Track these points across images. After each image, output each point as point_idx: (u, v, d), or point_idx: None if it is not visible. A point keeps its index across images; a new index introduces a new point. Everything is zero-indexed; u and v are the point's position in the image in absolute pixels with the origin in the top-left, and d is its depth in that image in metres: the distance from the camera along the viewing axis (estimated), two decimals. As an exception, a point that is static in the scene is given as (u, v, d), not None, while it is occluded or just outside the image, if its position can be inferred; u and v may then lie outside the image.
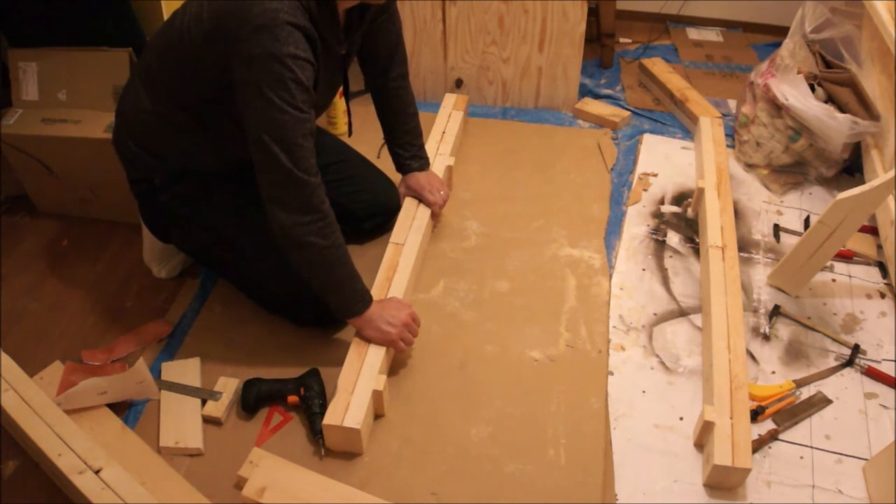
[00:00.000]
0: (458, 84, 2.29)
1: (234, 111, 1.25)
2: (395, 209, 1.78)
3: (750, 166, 2.07)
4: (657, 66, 2.41)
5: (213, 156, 1.45)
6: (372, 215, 1.77)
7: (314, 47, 1.22)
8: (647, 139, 2.19)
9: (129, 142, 1.45)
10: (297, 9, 1.18)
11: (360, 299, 1.39)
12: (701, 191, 1.85)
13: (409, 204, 1.76)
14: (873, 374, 1.52)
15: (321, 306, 1.41)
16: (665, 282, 1.73)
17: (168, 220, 1.54)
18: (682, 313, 1.65)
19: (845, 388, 1.50)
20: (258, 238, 1.45)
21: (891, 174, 1.48)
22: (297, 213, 1.27)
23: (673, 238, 1.85)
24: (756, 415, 1.41)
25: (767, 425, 1.42)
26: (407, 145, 1.73)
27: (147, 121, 1.40)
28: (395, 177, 1.81)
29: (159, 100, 1.37)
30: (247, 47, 1.16)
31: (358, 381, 1.35)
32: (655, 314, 1.65)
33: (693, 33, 2.75)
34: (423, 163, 1.76)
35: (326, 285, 1.37)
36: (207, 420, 1.39)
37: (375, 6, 1.43)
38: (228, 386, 1.43)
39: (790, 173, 2.03)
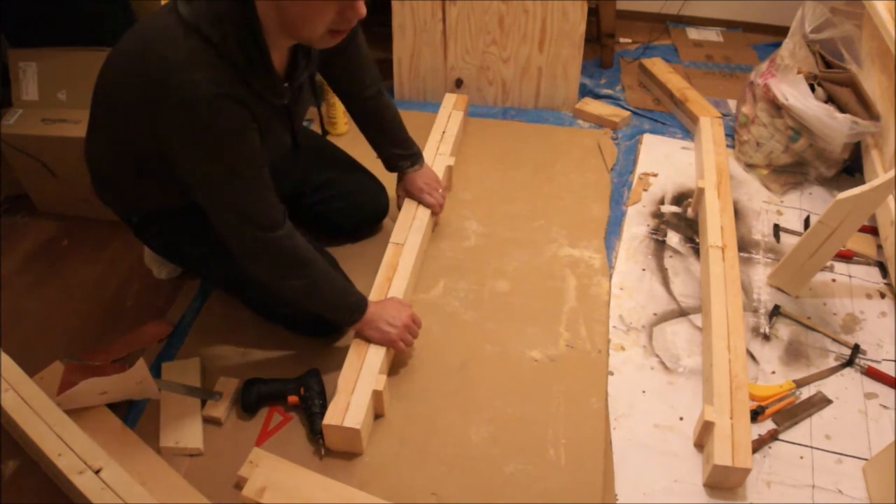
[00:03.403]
0: (458, 84, 2.29)
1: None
2: (384, 214, 1.79)
3: (750, 166, 2.06)
4: (657, 66, 2.41)
5: (176, 198, 1.36)
6: (359, 227, 1.78)
7: (250, 108, 1.13)
8: (647, 139, 2.19)
9: (98, 186, 1.43)
10: (223, 69, 1.08)
11: (356, 310, 1.39)
12: (701, 191, 1.85)
13: (409, 204, 1.75)
14: (873, 374, 1.52)
15: (319, 319, 1.42)
16: (665, 282, 1.73)
17: (156, 250, 1.56)
18: (682, 313, 1.65)
19: (845, 388, 1.50)
20: (243, 272, 1.37)
21: (891, 174, 1.48)
22: (271, 265, 1.26)
23: (673, 238, 1.85)
24: (756, 415, 1.41)
25: (767, 425, 1.42)
26: (395, 148, 1.69)
27: (106, 167, 1.38)
28: (387, 176, 1.79)
29: (108, 150, 1.33)
30: (175, 128, 1.10)
31: (358, 381, 1.35)
32: (655, 314, 1.65)
33: (693, 33, 2.75)
34: (413, 159, 1.71)
35: (318, 308, 1.37)
36: (207, 420, 1.39)
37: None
38: (228, 386, 1.43)
39: (790, 173, 2.03)
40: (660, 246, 1.83)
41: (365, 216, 1.77)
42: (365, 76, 1.55)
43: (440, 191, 1.76)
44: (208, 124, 1.08)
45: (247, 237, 1.20)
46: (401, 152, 1.69)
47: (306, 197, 1.66)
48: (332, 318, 1.41)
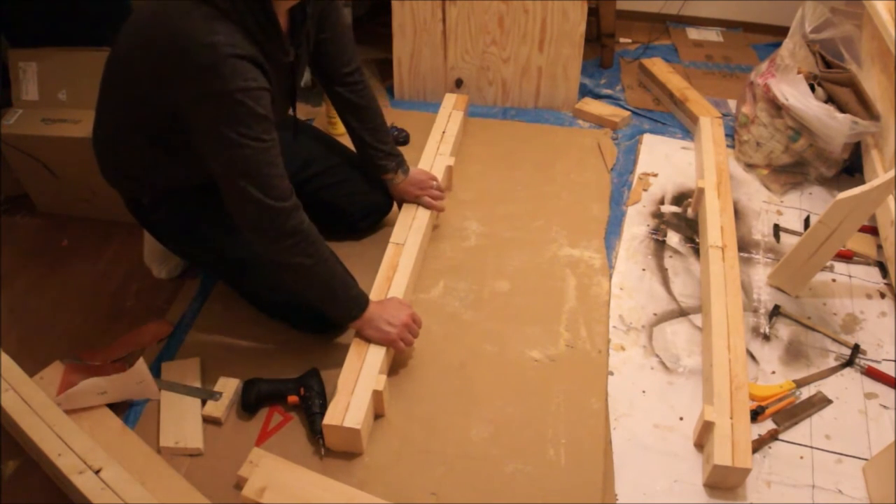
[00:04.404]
0: (458, 84, 2.29)
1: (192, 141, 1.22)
2: (388, 207, 1.79)
3: (750, 166, 2.07)
4: (657, 66, 2.41)
5: (187, 173, 1.40)
6: (367, 215, 1.77)
7: (263, 70, 1.17)
8: (647, 139, 2.19)
9: (108, 167, 1.44)
10: (237, 33, 1.13)
11: (356, 305, 1.39)
12: (701, 191, 1.85)
13: (409, 204, 1.75)
14: (873, 374, 1.52)
15: (321, 313, 1.41)
16: (665, 282, 1.73)
17: (164, 236, 1.54)
18: (682, 313, 1.65)
19: (845, 388, 1.50)
20: (250, 252, 1.43)
21: (891, 174, 1.48)
22: (277, 240, 1.26)
23: (673, 238, 1.85)
24: (756, 415, 1.41)
25: (767, 425, 1.42)
26: (379, 143, 1.66)
27: (116, 147, 1.39)
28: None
29: (121, 128, 1.35)
30: (192, 90, 1.13)
31: (358, 381, 1.35)
32: (655, 314, 1.65)
33: (693, 33, 2.75)
34: (398, 160, 1.70)
35: (320, 298, 1.37)
36: (207, 420, 1.39)
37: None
38: (228, 386, 1.43)
39: (790, 173, 2.03)
40: (660, 246, 1.83)
41: (373, 204, 1.76)
42: (344, 50, 1.55)
43: (434, 184, 1.75)
44: (227, 84, 1.11)
45: (255, 206, 1.21)
46: (387, 149, 1.67)
47: (311, 182, 1.65)
48: (332, 312, 1.40)
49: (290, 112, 1.47)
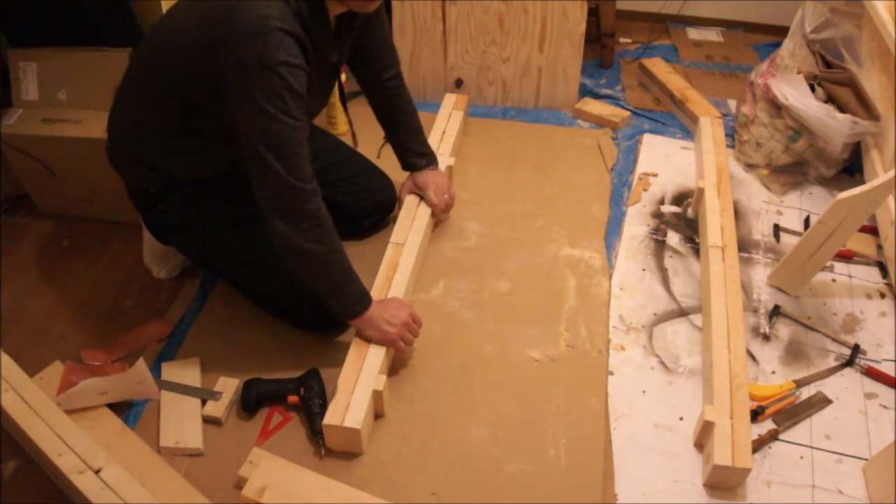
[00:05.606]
0: (458, 84, 2.29)
1: (224, 118, 1.23)
2: (392, 206, 1.80)
3: (750, 166, 2.07)
4: (657, 66, 2.41)
5: (205, 163, 1.43)
6: (371, 214, 1.78)
7: (306, 53, 1.21)
8: (647, 139, 2.19)
9: (122, 153, 1.45)
10: (289, 14, 1.17)
11: (359, 301, 1.39)
12: (701, 191, 1.85)
13: (409, 203, 1.76)
14: (873, 374, 1.52)
15: (322, 311, 1.42)
16: (665, 282, 1.73)
17: (168, 229, 1.54)
18: (682, 313, 1.65)
19: (845, 388, 1.50)
20: (257, 246, 1.44)
21: (891, 174, 1.48)
22: (294, 221, 1.27)
23: (673, 238, 1.85)
24: (756, 415, 1.41)
25: (767, 425, 1.42)
26: (412, 143, 1.73)
27: (137, 131, 1.40)
28: (394, 174, 1.81)
29: (147, 108, 1.36)
30: (237, 56, 1.15)
31: (358, 381, 1.35)
32: (655, 314, 1.65)
33: (693, 33, 2.75)
34: (429, 159, 1.76)
35: (325, 289, 1.37)
36: (207, 420, 1.39)
37: (364, 13, 1.40)
38: (228, 386, 1.43)
39: (790, 173, 2.03)
40: (660, 246, 1.83)
41: (378, 201, 1.78)
42: (385, 54, 1.60)
43: (446, 196, 1.76)
44: (272, 55, 1.14)
45: (277, 182, 1.23)
46: (418, 149, 1.74)
47: (315, 177, 1.66)
48: (335, 306, 1.39)
49: (344, 112, 1.55)
